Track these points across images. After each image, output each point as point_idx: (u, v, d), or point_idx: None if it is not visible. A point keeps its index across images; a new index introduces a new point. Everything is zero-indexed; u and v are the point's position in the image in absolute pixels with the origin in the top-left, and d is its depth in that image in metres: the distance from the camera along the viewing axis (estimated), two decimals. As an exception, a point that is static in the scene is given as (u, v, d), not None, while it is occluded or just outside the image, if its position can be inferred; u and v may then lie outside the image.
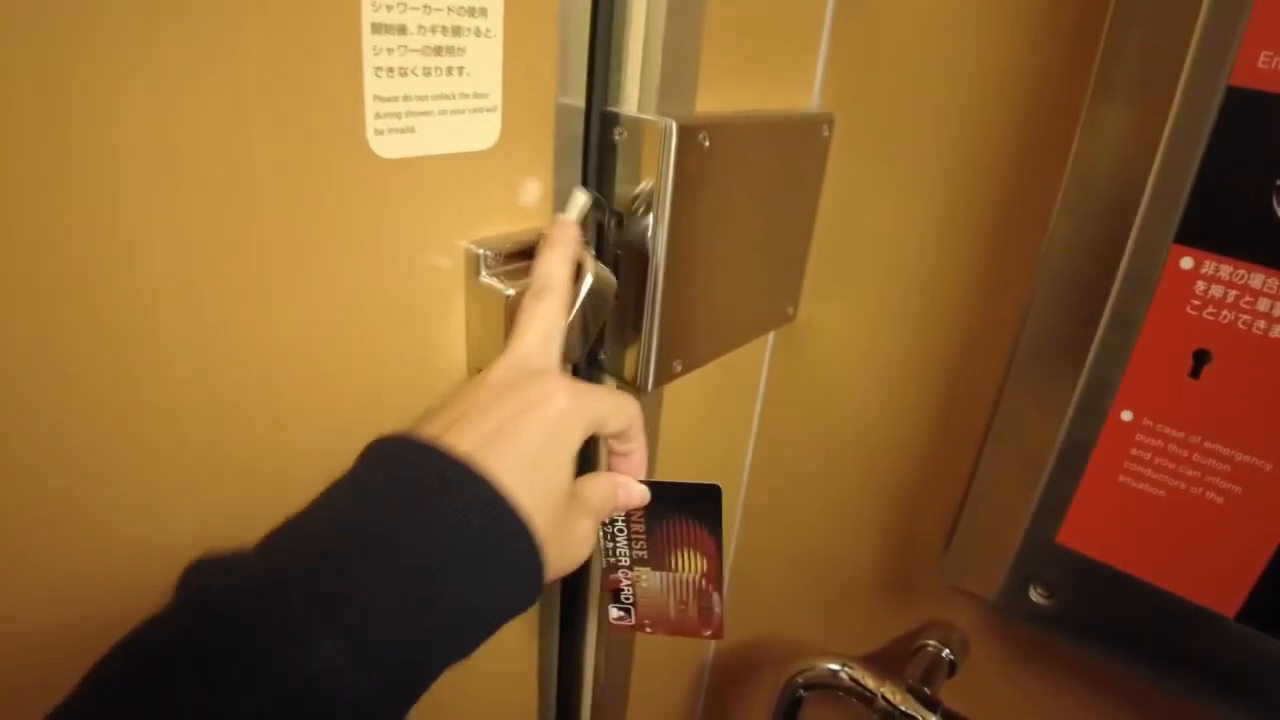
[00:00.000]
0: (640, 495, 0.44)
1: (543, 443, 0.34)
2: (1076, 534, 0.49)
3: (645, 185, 0.46)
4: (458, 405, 0.36)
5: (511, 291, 0.41)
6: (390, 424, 0.36)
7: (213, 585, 0.28)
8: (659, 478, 0.46)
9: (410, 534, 0.30)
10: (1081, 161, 0.45)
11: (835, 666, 0.63)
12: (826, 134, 0.58)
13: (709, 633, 0.52)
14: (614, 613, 0.52)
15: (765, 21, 0.52)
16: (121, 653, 0.26)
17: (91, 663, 0.25)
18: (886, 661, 0.67)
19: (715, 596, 0.51)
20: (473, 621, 0.32)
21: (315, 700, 0.26)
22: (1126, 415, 0.45)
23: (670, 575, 0.50)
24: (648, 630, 0.53)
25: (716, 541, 0.49)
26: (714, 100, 0.50)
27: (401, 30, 0.35)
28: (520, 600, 0.34)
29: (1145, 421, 0.45)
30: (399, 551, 0.29)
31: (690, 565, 0.50)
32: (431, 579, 0.30)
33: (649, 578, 0.51)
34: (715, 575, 0.50)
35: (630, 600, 0.52)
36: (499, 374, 0.37)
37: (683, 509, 0.48)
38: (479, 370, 0.44)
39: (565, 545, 0.36)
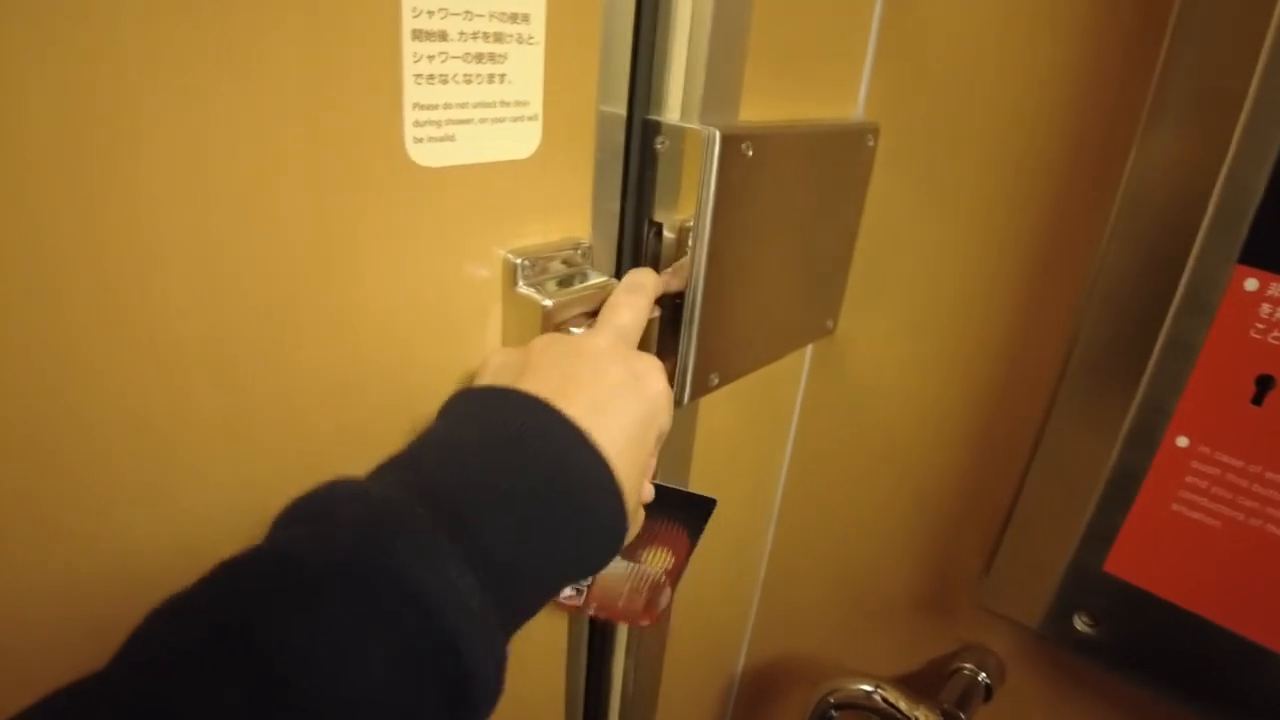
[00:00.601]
0: (648, 493, 0.45)
1: (644, 423, 0.36)
2: (1125, 563, 0.47)
3: (686, 195, 0.45)
4: (561, 365, 0.36)
5: (549, 303, 0.41)
6: (424, 435, 0.35)
7: (350, 506, 0.28)
8: (677, 487, 0.48)
9: (535, 484, 0.31)
10: (1137, 177, 0.43)
11: (868, 687, 0.62)
12: (871, 144, 0.57)
13: (647, 622, 0.53)
14: (565, 591, 0.52)
15: (810, 30, 0.51)
16: (271, 559, 0.26)
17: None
18: (920, 683, 0.66)
19: (668, 591, 0.52)
20: (555, 581, 0.33)
21: (443, 620, 0.26)
22: (1182, 441, 0.43)
23: (635, 566, 0.52)
24: (591, 613, 0.54)
25: (691, 546, 0.52)
26: (757, 109, 0.49)
27: (443, 37, 0.35)
28: (589, 571, 0.35)
29: (1202, 449, 0.43)
30: (527, 497, 0.30)
31: (658, 561, 0.52)
32: (541, 529, 0.31)
33: (615, 563, 0.52)
34: (676, 574, 0.52)
35: (588, 581, 0.53)
36: (601, 341, 0.38)
37: (674, 513, 0.50)
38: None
39: (632, 528, 0.36)
